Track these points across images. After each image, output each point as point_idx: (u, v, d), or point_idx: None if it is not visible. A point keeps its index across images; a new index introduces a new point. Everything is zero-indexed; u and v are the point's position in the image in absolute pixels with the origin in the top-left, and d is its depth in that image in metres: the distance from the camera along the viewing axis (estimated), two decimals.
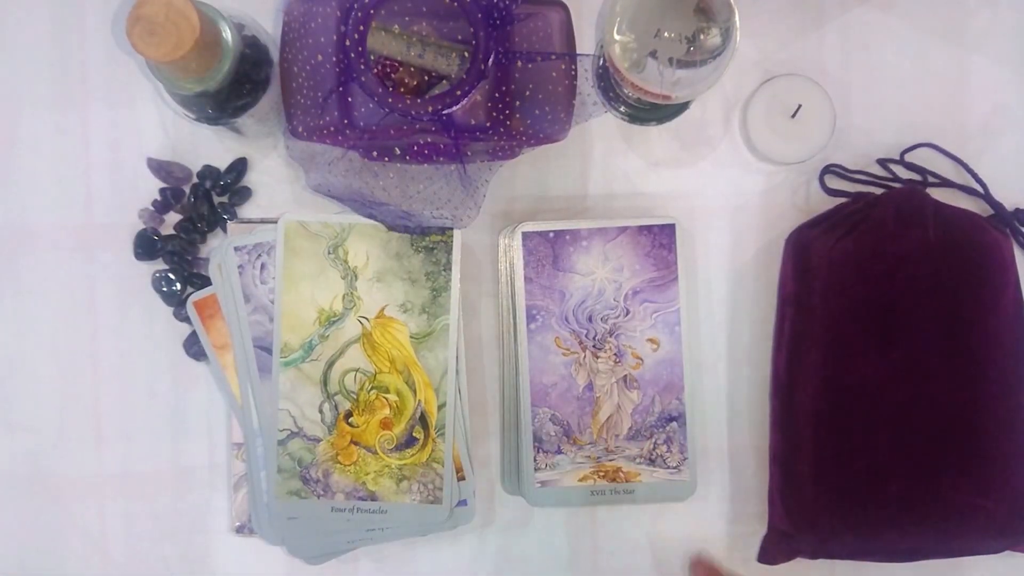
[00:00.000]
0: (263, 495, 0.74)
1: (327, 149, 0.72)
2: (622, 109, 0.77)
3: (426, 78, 0.69)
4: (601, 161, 0.78)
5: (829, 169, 0.77)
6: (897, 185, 0.76)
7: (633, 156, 0.78)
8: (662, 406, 0.75)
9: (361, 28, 0.66)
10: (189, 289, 0.76)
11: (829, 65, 0.78)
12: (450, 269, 0.74)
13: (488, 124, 0.68)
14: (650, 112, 0.76)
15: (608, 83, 0.75)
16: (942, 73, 0.78)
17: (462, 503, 0.75)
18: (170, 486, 0.77)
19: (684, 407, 0.75)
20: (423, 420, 0.74)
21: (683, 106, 0.76)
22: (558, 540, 0.78)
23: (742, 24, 0.66)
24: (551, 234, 0.75)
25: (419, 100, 0.66)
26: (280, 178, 0.77)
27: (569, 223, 0.75)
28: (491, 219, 0.77)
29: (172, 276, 0.76)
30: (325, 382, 0.74)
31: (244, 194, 0.77)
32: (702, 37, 0.67)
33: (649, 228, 0.75)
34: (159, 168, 0.76)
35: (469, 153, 0.71)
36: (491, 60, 0.66)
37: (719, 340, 0.78)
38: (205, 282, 0.76)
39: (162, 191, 0.76)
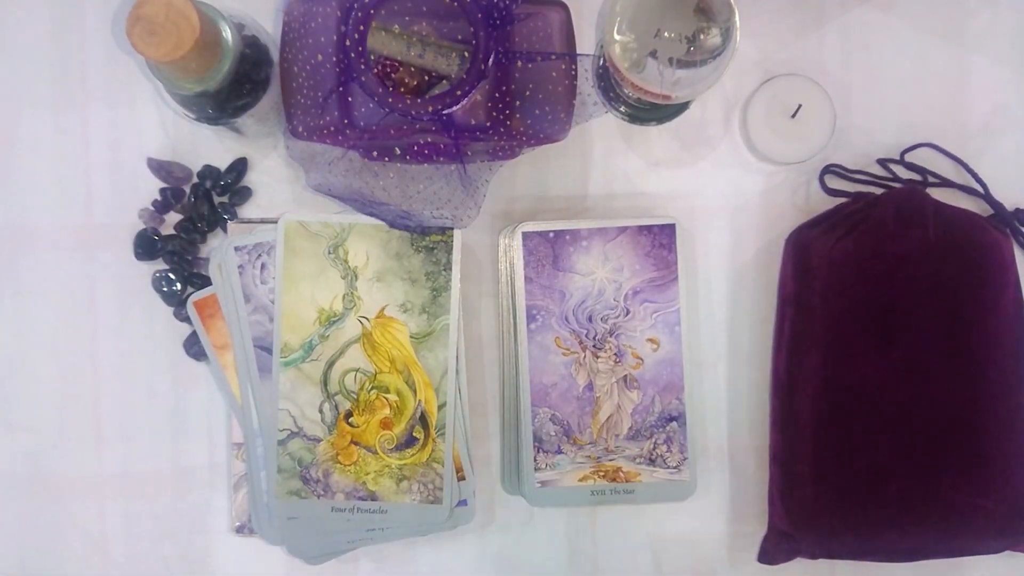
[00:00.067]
0: (263, 495, 0.74)
1: (327, 149, 0.72)
2: (622, 109, 0.77)
3: (426, 78, 0.69)
4: (601, 161, 0.78)
5: (829, 169, 0.77)
6: (897, 185, 0.76)
7: (633, 156, 0.78)
8: (662, 406, 0.75)
9: (361, 28, 0.66)
10: (189, 289, 0.76)
11: (829, 65, 0.78)
12: (450, 269, 0.74)
13: (488, 124, 0.68)
14: (650, 112, 0.76)
15: (608, 83, 0.75)
16: (942, 73, 0.78)
17: (462, 503, 0.75)
18: (170, 486, 0.77)
19: (684, 407, 0.75)
20: (423, 420, 0.74)
21: (683, 106, 0.76)
22: (558, 540, 0.78)
23: (742, 24, 0.66)
24: (551, 234, 0.75)
25: (419, 100, 0.66)
26: (280, 178, 0.77)
27: (569, 223, 0.75)
28: (491, 219, 0.77)
29: (172, 276, 0.76)
30: (325, 382, 0.74)
31: (244, 194, 0.77)
32: (702, 37, 0.67)
33: (649, 228, 0.75)
34: (159, 168, 0.76)
35: (469, 153, 0.71)
36: (491, 60, 0.66)
37: (719, 340, 0.78)
38: (205, 282, 0.76)
39: (162, 191, 0.76)
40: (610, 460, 0.75)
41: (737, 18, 0.66)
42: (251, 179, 0.77)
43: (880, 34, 0.78)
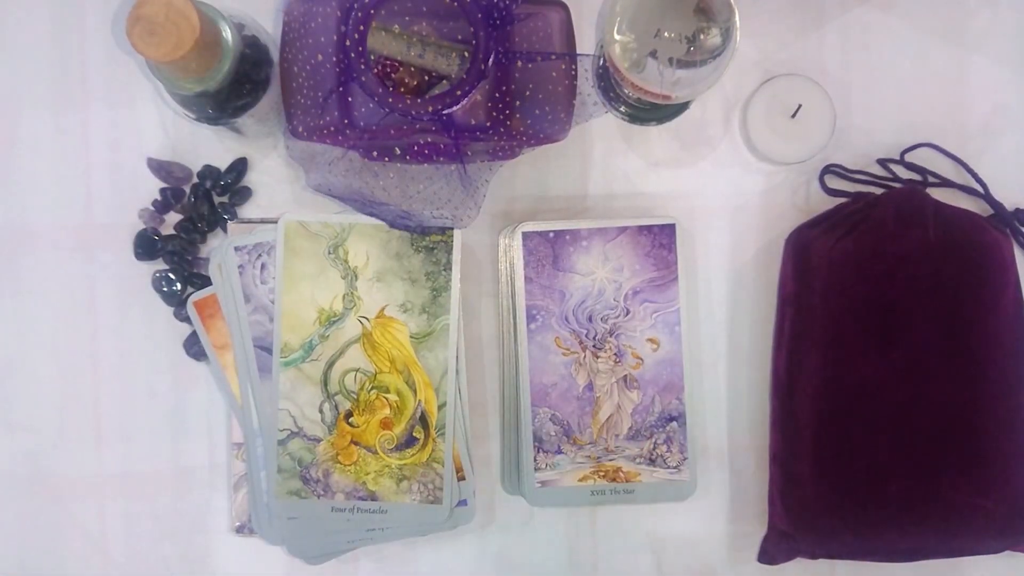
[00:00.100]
0: (263, 495, 0.74)
1: (327, 149, 0.72)
2: (622, 109, 0.77)
3: (426, 78, 0.69)
4: (601, 161, 0.78)
5: (829, 169, 0.77)
6: (897, 185, 0.76)
7: (633, 156, 0.78)
8: (662, 406, 0.75)
9: (361, 28, 0.66)
10: (189, 289, 0.76)
11: (829, 65, 0.78)
12: (450, 269, 0.74)
13: (488, 124, 0.68)
14: (650, 112, 0.76)
15: (608, 83, 0.75)
16: (942, 73, 0.78)
17: (462, 503, 0.75)
18: (170, 486, 0.77)
19: (684, 407, 0.75)
20: (423, 420, 0.74)
21: (683, 106, 0.76)
22: (558, 540, 0.78)
23: (742, 24, 0.66)
24: (551, 234, 0.75)
25: (419, 100, 0.66)
26: (280, 178, 0.77)
27: (569, 223, 0.75)
28: (491, 219, 0.77)
29: (172, 276, 0.76)
30: (325, 382, 0.74)
31: (244, 194, 0.77)
32: (702, 37, 0.67)
33: (649, 228, 0.75)
34: (159, 168, 0.76)
35: (469, 153, 0.71)
36: (491, 60, 0.66)
37: (719, 340, 0.78)
38: (205, 282, 0.76)
39: (162, 191, 0.76)
40: (610, 460, 0.75)
41: (737, 18, 0.66)
42: (251, 179, 0.77)
43: (880, 34, 0.78)
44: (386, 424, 0.74)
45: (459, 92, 0.66)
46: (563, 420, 0.75)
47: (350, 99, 0.67)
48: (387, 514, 0.74)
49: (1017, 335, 0.73)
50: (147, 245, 0.76)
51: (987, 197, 0.76)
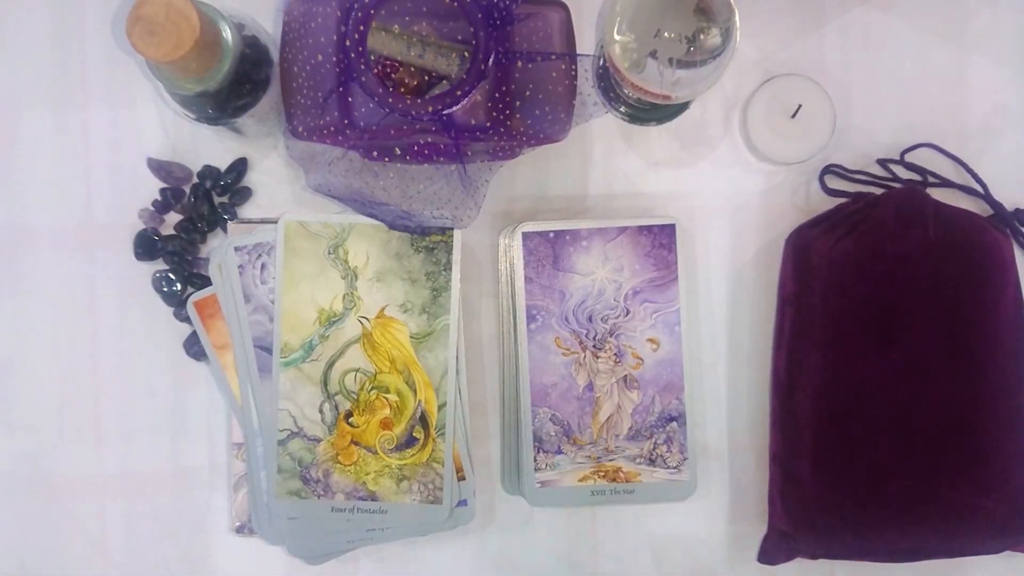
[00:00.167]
0: (263, 495, 0.74)
1: (327, 149, 0.72)
2: (622, 109, 0.77)
3: (426, 78, 0.69)
4: (601, 161, 0.78)
5: (829, 169, 0.77)
6: (897, 185, 0.76)
7: (633, 156, 0.78)
8: (662, 406, 0.75)
9: (361, 28, 0.66)
10: (189, 289, 0.76)
11: (829, 65, 0.78)
12: (450, 269, 0.74)
13: (488, 124, 0.68)
14: (650, 112, 0.76)
15: (608, 83, 0.75)
16: (942, 73, 0.78)
17: (462, 503, 0.75)
18: (170, 486, 0.77)
19: (684, 407, 0.75)
20: (423, 420, 0.74)
21: (683, 106, 0.76)
22: (558, 540, 0.78)
23: (742, 24, 0.66)
24: (551, 234, 0.75)
25: (419, 100, 0.66)
26: (280, 178, 0.77)
27: (569, 223, 0.75)
28: (491, 219, 0.77)
29: (172, 276, 0.76)
30: (325, 382, 0.74)
31: (244, 194, 0.77)
32: (702, 37, 0.67)
33: (649, 228, 0.75)
34: (159, 168, 0.76)
35: (469, 153, 0.71)
36: (491, 60, 0.66)
37: (719, 340, 0.78)
38: (205, 282, 0.76)
39: (162, 191, 0.76)
40: (610, 460, 0.75)
41: (737, 18, 0.66)
42: (251, 179, 0.77)
43: (880, 34, 0.78)
44: (386, 424, 0.74)
45: (459, 92, 0.66)
46: (563, 420, 0.75)
47: (350, 99, 0.67)
48: (387, 514, 0.74)
49: (1017, 335, 0.73)
50: (147, 245, 0.76)
51: (987, 197, 0.76)
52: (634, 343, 0.75)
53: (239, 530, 0.76)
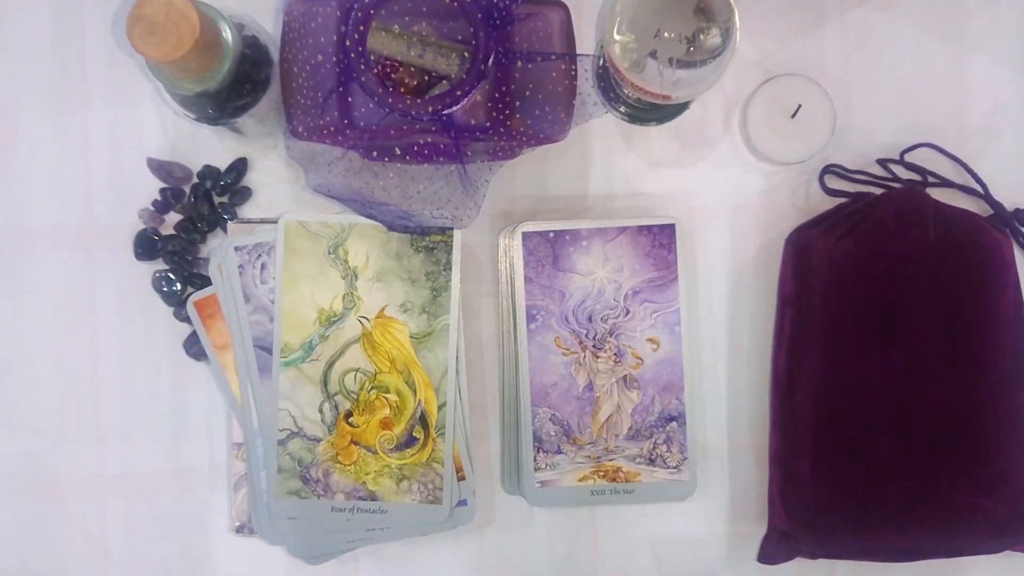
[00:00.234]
0: (263, 495, 0.74)
1: (327, 149, 0.72)
2: (622, 109, 0.77)
3: (426, 78, 0.69)
4: (601, 161, 0.78)
5: (829, 169, 0.77)
6: (897, 185, 0.76)
7: (633, 156, 0.78)
8: (662, 406, 0.75)
9: (361, 28, 0.66)
10: (189, 289, 0.76)
11: (829, 65, 0.78)
12: (450, 269, 0.74)
13: (488, 124, 0.68)
14: (650, 112, 0.76)
15: (608, 83, 0.75)
16: (942, 73, 0.78)
17: (462, 503, 0.75)
18: (170, 486, 0.77)
19: (684, 407, 0.75)
20: (423, 420, 0.74)
21: (683, 106, 0.76)
22: (558, 540, 0.78)
23: (742, 24, 0.66)
24: (551, 234, 0.75)
25: (419, 100, 0.66)
26: (280, 178, 0.77)
27: (569, 223, 0.75)
28: (491, 219, 0.77)
29: (172, 276, 0.76)
30: (325, 382, 0.74)
31: (244, 194, 0.77)
32: (702, 37, 0.67)
33: (649, 228, 0.75)
34: (159, 168, 0.76)
35: (469, 153, 0.71)
36: (491, 60, 0.66)
37: (719, 340, 0.78)
38: (205, 282, 0.76)
39: (162, 191, 0.76)
40: (610, 460, 0.75)
41: (737, 18, 0.66)
42: (251, 179, 0.77)
43: (880, 34, 0.78)
44: (386, 424, 0.74)
45: (459, 92, 0.66)
46: (563, 420, 0.75)
47: (350, 99, 0.67)
48: (387, 514, 0.74)
49: (1017, 335, 0.73)
50: (147, 245, 0.76)
51: (987, 197, 0.76)
52: (634, 343, 0.75)
53: (239, 530, 0.76)
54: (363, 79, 0.66)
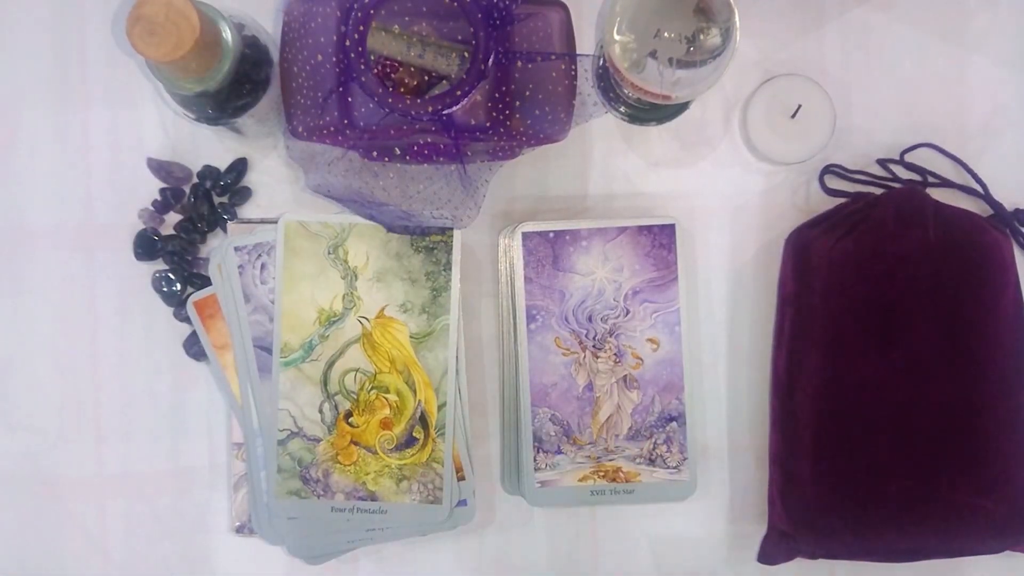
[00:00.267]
0: (263, 495, 0.74)
1: (327, 149, 0.72)
2: (622, 109, 0.77)
3: (426, 78, 0.69)
4: (601, 161, 0.78)
5: (829, 169, 0.77)
6: (897, 185, 0.76)
7: (633, 156, 0.78)
8: (662, 406, 0.75)
9: (361, 28, 0.66)
10: (189, 289, 0.76)
11: (829, 65, 0.78)
12: (450, 269, 0.74)
13: (488, 124, 0.68)
14: (650, 112, 0.76)
15: (608, 83, 0.75)
16: (942, 73, 0.78)
17: (462, 503, 0.75)
18: (170, 486, 0.77)
19: (684, 407, 0.75)
20: (423, 420, 0.74)
21: (683, 106, 0.76)
22: (558, 540, 0.78)
23: (742, 24, 0.66)
24: (551, 234, 0.75)
25: (419, 100, 0.66)
26: (280, 178, 0.77)
27: (569, 223, 0.75)
28: (491, 219, 0.77)
29: (172, 276, 0.76)
30: (325, 382, 0.74)
31: (244, 194, 0.77)
32: (702, 37, 0.67)
33: (649, 228, 0.75)
34: (159, 168, 0.76)
35: (469, 153, 0.71)
36: (491, 60, 0.66)
37: (719, 340, 0.78)
38: (205, 282, 0.76)
39: (162, 191, 0.76)
40: (610, 460, 0.75)
41: (737, 18, 0.66)
42: (251, 179, 0.77)
43: (880, 34, 0.78)
44: (386, 424, 0.74)
45: (459, 92, 0.66)
46: (563, 420, 0.75)
47: (350, 99, 0.67)
48: (387, 514, 0.74)
49: (1017, 335, 0.73)
50: (147, 245, 0.76)
51: (987, 197, 0.76)
52: (634, 343, 0.75)
53: (239, 530, 0.76)
54: (363, 79, 0.66)
